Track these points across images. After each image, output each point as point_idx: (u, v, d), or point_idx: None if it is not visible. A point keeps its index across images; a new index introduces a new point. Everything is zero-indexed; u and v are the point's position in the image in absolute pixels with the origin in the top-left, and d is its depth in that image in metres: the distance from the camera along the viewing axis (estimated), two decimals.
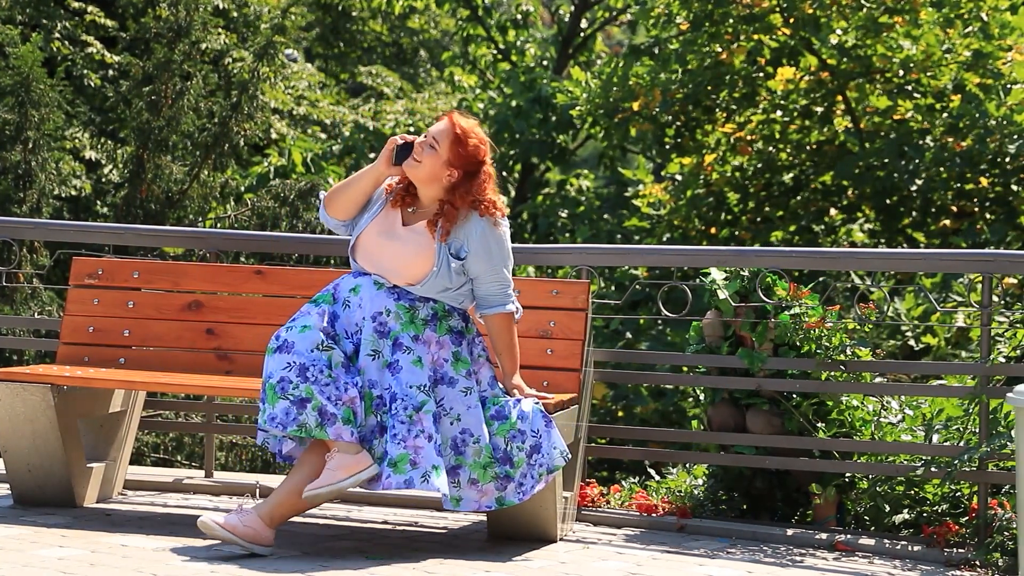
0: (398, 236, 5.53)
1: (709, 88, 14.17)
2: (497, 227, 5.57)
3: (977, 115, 12.81)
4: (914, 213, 13.85)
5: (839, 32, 13.80)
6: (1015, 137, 12.75)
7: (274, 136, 14.95)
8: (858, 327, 6.48)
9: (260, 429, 5.52)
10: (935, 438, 6.33)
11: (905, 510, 6.23)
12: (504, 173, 18.04)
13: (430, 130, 5.60)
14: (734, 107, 14.39)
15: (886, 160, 13.37)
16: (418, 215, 5.58)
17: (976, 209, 13.63)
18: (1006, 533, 5.87)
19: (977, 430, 6.16)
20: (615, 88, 14.44)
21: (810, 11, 13.64)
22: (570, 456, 5.60)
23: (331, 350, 5.37)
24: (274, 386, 5.34)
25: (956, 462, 5.98)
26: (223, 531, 5.33)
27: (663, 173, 16.60)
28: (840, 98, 13.98)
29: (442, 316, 5.53)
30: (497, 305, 5.56)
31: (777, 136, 14.34)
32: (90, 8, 13.60)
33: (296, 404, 5.31)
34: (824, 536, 6.12)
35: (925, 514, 6.21)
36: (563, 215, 16.83)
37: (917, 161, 13.25)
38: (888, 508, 6.25)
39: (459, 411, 5.49)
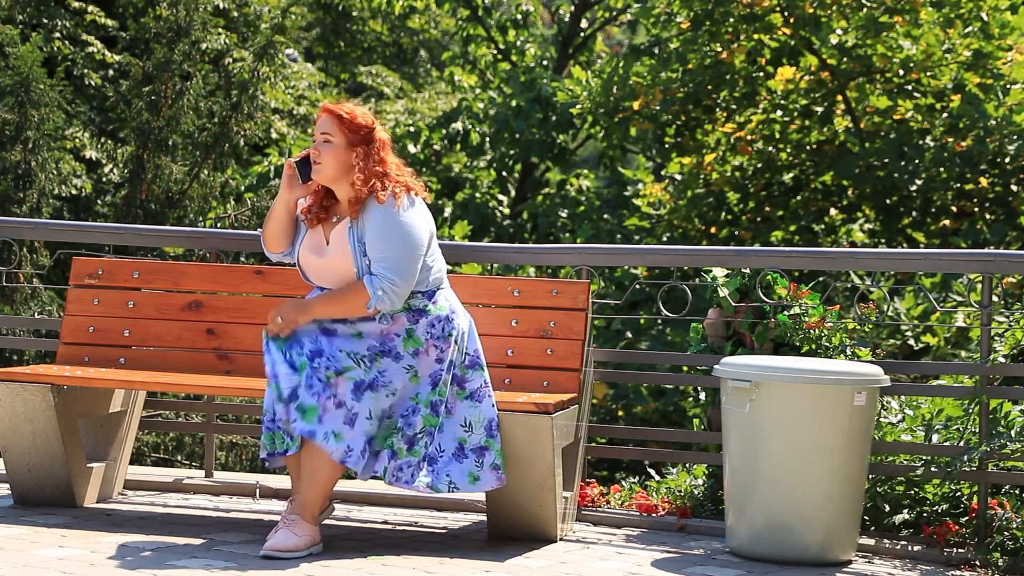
0: (323, 253, 5.65)
1: (709, 87, 14.17)
2: (395, 214, 5.56)
3: (977, 115, 12.82)
4: (914, 213, 13.85)
5: (839, 32, 13.80)
6: (1014, 137, 12.75)
7: (274, 136, 14.95)
8: (858, 327, 6.48)
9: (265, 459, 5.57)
10: (935, 438, 6.34)
11: (905, 510, 6.23)
12: (504, 173, 18.03)
13: (317, 130, 5.66)
14: (734, 107, 14.39)
15: (886, 160, 13.37)
16: (340, 223, 5.67)
17: (976, 209, 13.64)
18: (1006, 533, 5.87)
19: (977, 430, 6.16)
20: (616, 87, 14.45)
21: (810, 11, 13.65)
22: (446, 494, 5.63)
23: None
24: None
25: (956, 462, 5.98)
26: (289, 553, 5.41)
27: (663, 173, 16.60)
28: (840, 98, 13.98)
29: None
30: (366, 275, 5.54)
31: (777, 136, 14.34)
32: (90, 8, 13.60)
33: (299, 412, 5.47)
34: None
35: (925, 514, 6.21)
36: (563, 215, 16.83)
37: (917, 161, 13.25)
38: (888, 508, 6.25)
39: (397, 386, 5.55)
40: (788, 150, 14.44)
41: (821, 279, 8.83)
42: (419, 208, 5.63)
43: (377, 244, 5.53)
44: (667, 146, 15.09)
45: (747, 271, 6.46)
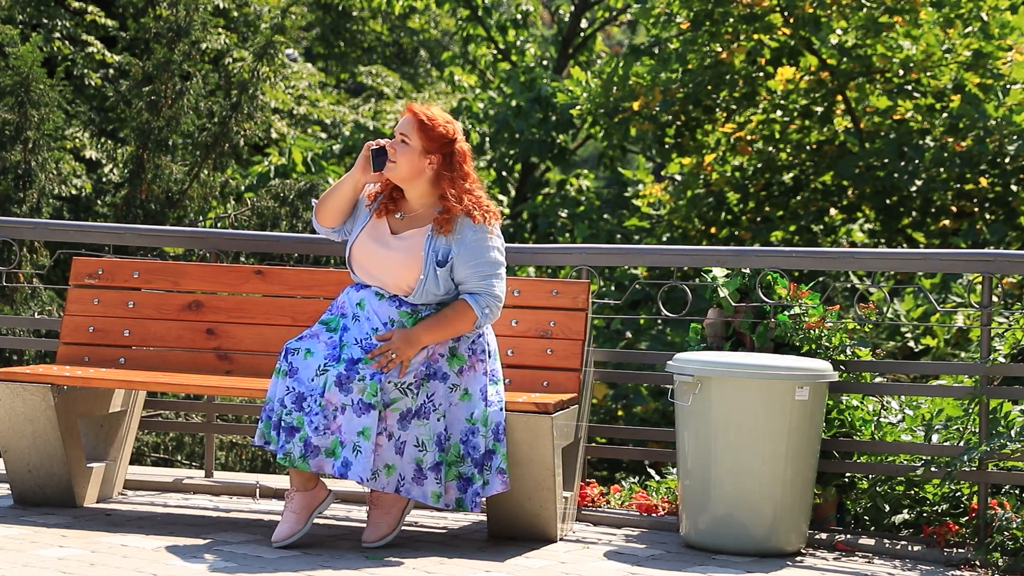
0: (388, 245, 5.60)
1: (709, 88, 14.18)
2: (489, 236, 5.59)
3: (977, 115, 12.82)
4: (914, 213, 13.86)
5: (839, 32, 13.80)
6: (1014, 137, 12.76)
7: (274, 136, 14.96)
8: (858, 327, 6.47)
9: (257, 445, 5.59)
10: (935, 438, 6.34)
11: (905, 510, 6.23)
12: (504, 173, 18.03)
13: (397, 128, 5.62)
14: (734, 107, 14.40)
15: (886, 160, 13.37)
16: (407, 221, 5.63)
17: (976, 209, 13.64)
18: (1006, 533, 5.88)
19: (977, 430, 6.16)
20: (615, 88, 14.45)
21: (810, 11, 13.65)
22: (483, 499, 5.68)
23: (326, 372, 5.43)
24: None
25: (956, 462, 5.98)
26: (293, 539, 5.54)
27: (663, 173, 16.61)
28: (840, 98, 13.99)
29: None
30: (467, 294, 5.56)
31: (777, 136, 14.35)
32: (90, 8, 13.60)
33: (287, 431, 5.43)
34: (824, 536, 6.12)
35: (925, 514, 6.21)
36: (563, 215, 16.83)
37: (917, 161, 13.26)
38: (888, 508, 6.25)
39: (446, 408, 5.56)
40: (788, 150, 14.44)
41: (821, 279, 8.83)
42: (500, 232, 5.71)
43: (476, 262, 5.53)
44: (667, 146, 15.10)
45: (747, 271, 6.46)
